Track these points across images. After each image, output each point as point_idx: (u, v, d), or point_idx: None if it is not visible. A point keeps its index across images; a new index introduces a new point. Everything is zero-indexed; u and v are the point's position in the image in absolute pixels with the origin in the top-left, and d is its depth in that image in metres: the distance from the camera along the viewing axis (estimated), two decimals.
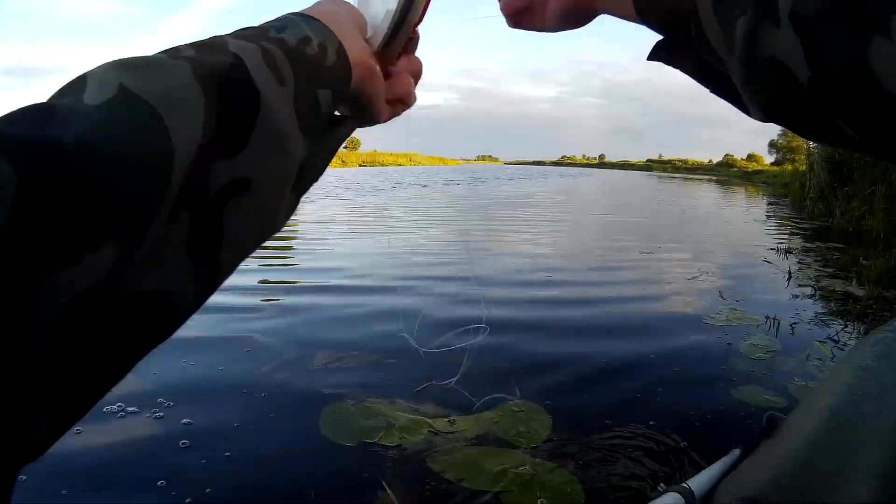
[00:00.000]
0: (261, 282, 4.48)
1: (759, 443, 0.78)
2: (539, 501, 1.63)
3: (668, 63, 0.43)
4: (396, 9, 0.34)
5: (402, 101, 0.43)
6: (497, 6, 0.50)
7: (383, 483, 1.69)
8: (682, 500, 0.78)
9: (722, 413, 2.18)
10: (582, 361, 2.71)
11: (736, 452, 0.89)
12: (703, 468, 0.92)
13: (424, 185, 19.10)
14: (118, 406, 2.13)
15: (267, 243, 0.42)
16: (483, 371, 2.61)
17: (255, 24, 0.38)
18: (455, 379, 2.36)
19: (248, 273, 4.76)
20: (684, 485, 0.82)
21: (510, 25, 0.49)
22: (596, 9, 0.45)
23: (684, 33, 0.38)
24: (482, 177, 28.27)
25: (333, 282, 4.35)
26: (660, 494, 0.83)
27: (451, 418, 2.11)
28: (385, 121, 0.43)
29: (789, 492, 0.63)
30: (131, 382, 2.33)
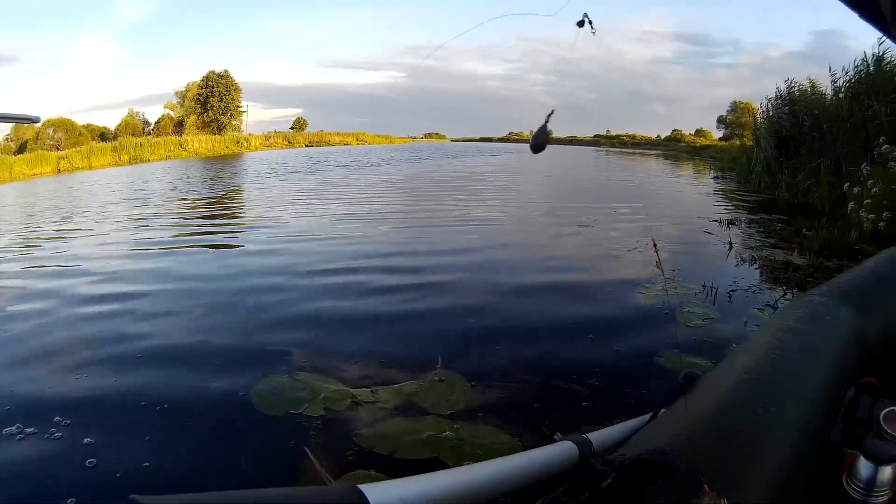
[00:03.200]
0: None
1: (673, 399, 0.76)
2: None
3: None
4: None
5: None
6: None
7: (307, 451, 1.81)
8: (577, 448, 0.72)
9: (649, 377, 2.22)
10: (512, 331, 2.76)
11: (646, 417, 0.87)
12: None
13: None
14: (17, 427, 1.94)
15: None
16: (407, 343, 2.68)
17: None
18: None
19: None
20: (584, 436, 0.77)
21: None
22: None
23: None
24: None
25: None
26: (553, 443, 0.76)
27: (374, 389, 2.22)
28: None
29: (700, 444, 0.62)
30: (25, 400, 2.16)
